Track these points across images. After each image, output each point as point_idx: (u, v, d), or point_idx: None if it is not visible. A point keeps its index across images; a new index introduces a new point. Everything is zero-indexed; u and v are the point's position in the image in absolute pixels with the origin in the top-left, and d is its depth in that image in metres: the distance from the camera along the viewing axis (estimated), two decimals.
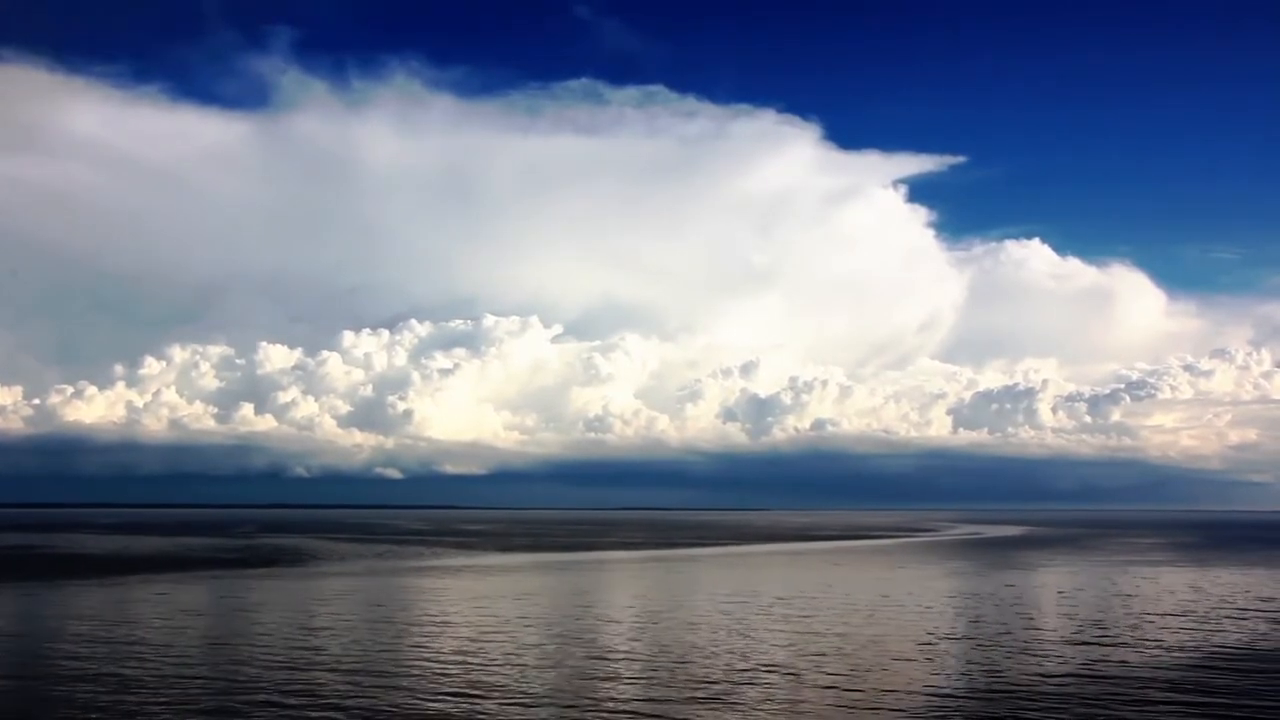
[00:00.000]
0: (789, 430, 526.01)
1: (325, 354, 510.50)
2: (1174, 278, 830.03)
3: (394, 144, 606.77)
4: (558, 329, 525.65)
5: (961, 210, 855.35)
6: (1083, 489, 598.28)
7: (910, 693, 27.16)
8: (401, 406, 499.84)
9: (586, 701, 26.00)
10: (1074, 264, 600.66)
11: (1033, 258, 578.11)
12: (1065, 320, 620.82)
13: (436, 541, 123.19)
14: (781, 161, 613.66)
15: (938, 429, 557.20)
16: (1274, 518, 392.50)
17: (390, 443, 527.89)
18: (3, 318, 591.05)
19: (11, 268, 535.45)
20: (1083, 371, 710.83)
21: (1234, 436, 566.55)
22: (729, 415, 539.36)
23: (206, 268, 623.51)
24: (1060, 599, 52.45)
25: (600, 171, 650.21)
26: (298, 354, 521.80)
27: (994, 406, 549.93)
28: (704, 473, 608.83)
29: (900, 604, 48.90)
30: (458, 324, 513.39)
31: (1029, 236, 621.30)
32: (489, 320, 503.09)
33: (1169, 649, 34.73)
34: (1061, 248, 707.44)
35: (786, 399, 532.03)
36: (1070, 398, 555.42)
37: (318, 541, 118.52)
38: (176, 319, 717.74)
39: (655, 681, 28.60)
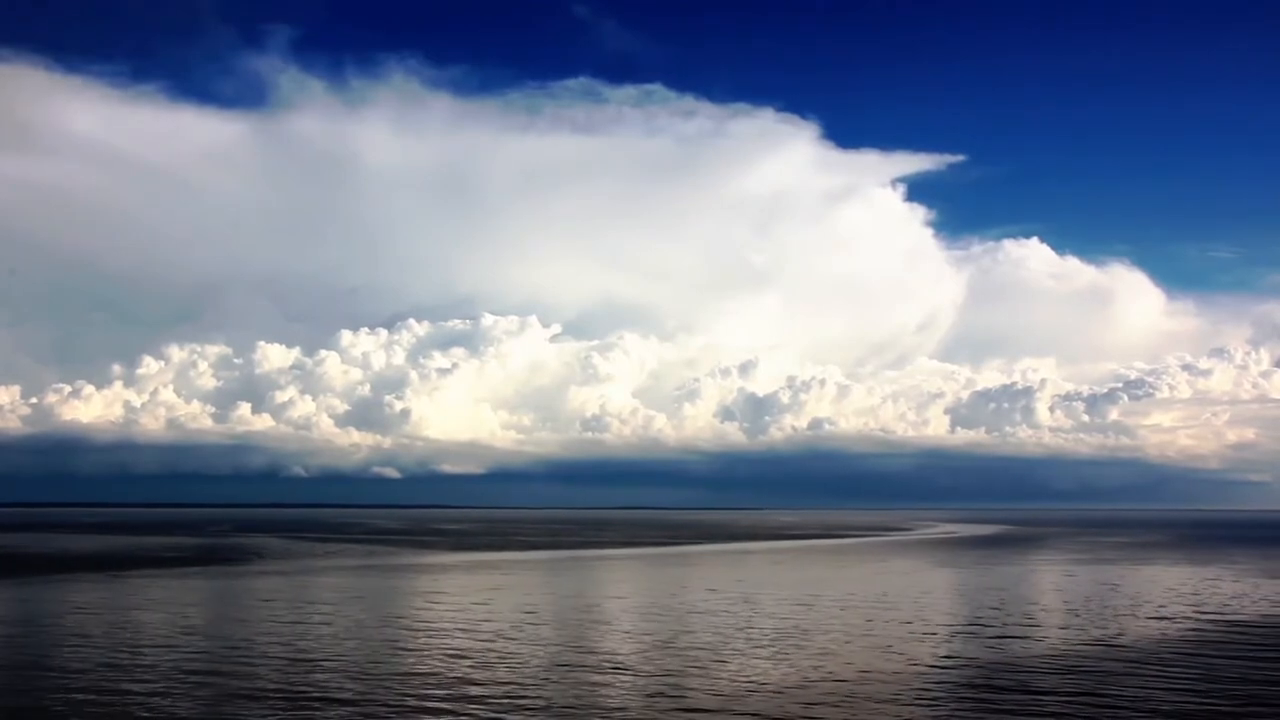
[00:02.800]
0: (786, 430, 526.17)
1: (323, 353, 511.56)
2: (1172, 277, 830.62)
3: (392, 143, 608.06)
4: (556, 328, 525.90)
5: (960, 209, 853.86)
6: (1081, 488, 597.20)
7: (694, 687, 27.50)
8: (399, 406, 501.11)
9: (385, 695, 26.38)
10: (1072, 263, 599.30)
11: (1031, 257, 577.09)
12: (1064, 319, 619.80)
13: (398, 540, 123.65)
14: (780, 161, 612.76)
15: (935, 428, 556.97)
16: (1271, 517, 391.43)
17: (388, 442, 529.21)
18: (0, 317, 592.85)
19: (9, 267, 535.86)
20: (1081, 371, 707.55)
21: (1232, 436, 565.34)
22: (727, 414, 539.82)
23: (204, 267, 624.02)
24: (953, 596, 52.59)
25: (599, 171, 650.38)
26: (295, 353, 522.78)
27: (991, 406, 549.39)
28: (702, 472, 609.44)
29: (781, 600, 49.18)
30: (456, 324, 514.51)
31: (1027, 235, 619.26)
32: (488, 320, 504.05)
33: (1012, 642, 34.97)
34: (1060, 247, 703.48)
35: (784, 398, 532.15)
36: (1068, 397, 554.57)
37: (280, 541, 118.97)
38: (174, 318, 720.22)
39: (455, 679, 28.94)
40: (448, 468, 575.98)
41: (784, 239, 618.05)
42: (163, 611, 45.32)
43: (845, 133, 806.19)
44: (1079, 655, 33.03)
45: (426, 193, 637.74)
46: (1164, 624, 41.33)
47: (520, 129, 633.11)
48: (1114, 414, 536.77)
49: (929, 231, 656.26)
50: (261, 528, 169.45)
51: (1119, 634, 38.16)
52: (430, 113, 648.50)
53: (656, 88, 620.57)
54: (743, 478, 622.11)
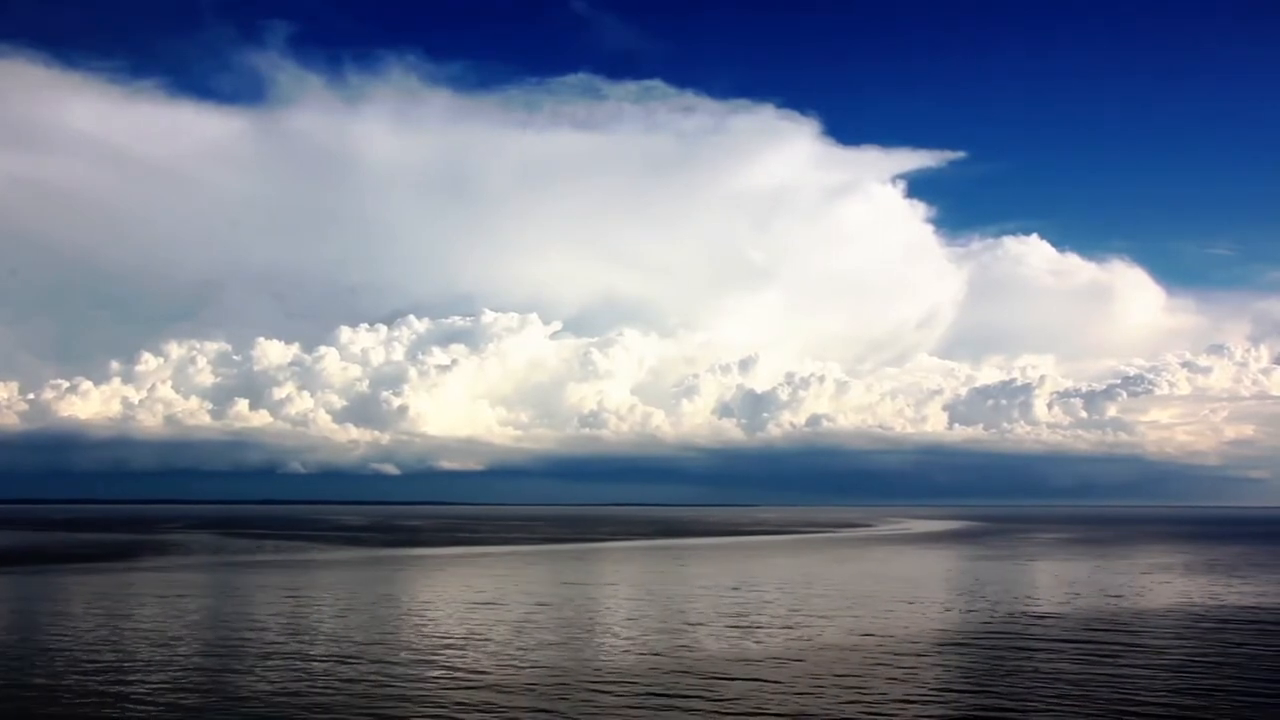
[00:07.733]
0: (785, 426, 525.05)
1: (322, 350, 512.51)
2: (1172, 274, 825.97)
3: (391, 139, 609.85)
4: (556, 325, 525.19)
5: (960, 206, 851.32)
6: (1080, 485, 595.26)
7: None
8: (397, 402, 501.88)
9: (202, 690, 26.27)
10: (1072, 260, 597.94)
11: (1031, 254, 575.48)
12: (1063, 316, 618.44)
13: (336, 538, 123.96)
14: (780, 157, 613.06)
15: (934, 425, 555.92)
16: (1270, 513, 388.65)
17: (386, 439, 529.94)
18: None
19: (8, 264, 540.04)
20: (1081, 367, 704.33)
21: (1231, 432, 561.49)
22: (725, 411, 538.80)
23: (203, 263, 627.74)
24: (775, 588, 52.12)
25: (598, 167, 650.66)
26: (294, 350, 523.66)
27: (990, 402, 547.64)
28: (700, 469, 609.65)
29: (613, 598, 48.90)
30: (456, 320, 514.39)
31: (1028, 232, 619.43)
32: (488, 316, 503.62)
33: (841, 632, 34.63)
34: (1060, 243, 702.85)
35: (783, 395, 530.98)
36: (1067, 394, 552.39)
37: (210, 537, 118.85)
38: (173, 315, 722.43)
39: (264, 673, 28.82)
40: (446, 464, 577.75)
41: (784, 235, 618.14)
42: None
43: (845, 129, 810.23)
44: (810, 650, 32.65)
45: (426, 189, 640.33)
46: (958, 615, 40.90)
47: (520, 125, 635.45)
48: (1113, 411, 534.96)
49: (929, 228, 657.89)
50: (214, 525, 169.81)
51: (898, 626, 37.78)
52: (429, 109, 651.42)
53: (656, 84, 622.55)
54: (741, 474, 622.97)
